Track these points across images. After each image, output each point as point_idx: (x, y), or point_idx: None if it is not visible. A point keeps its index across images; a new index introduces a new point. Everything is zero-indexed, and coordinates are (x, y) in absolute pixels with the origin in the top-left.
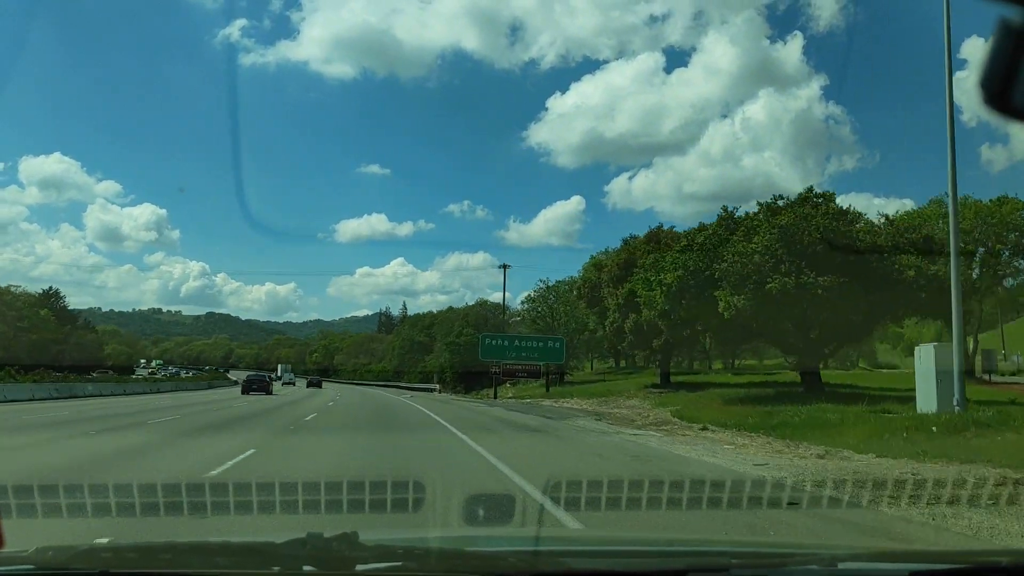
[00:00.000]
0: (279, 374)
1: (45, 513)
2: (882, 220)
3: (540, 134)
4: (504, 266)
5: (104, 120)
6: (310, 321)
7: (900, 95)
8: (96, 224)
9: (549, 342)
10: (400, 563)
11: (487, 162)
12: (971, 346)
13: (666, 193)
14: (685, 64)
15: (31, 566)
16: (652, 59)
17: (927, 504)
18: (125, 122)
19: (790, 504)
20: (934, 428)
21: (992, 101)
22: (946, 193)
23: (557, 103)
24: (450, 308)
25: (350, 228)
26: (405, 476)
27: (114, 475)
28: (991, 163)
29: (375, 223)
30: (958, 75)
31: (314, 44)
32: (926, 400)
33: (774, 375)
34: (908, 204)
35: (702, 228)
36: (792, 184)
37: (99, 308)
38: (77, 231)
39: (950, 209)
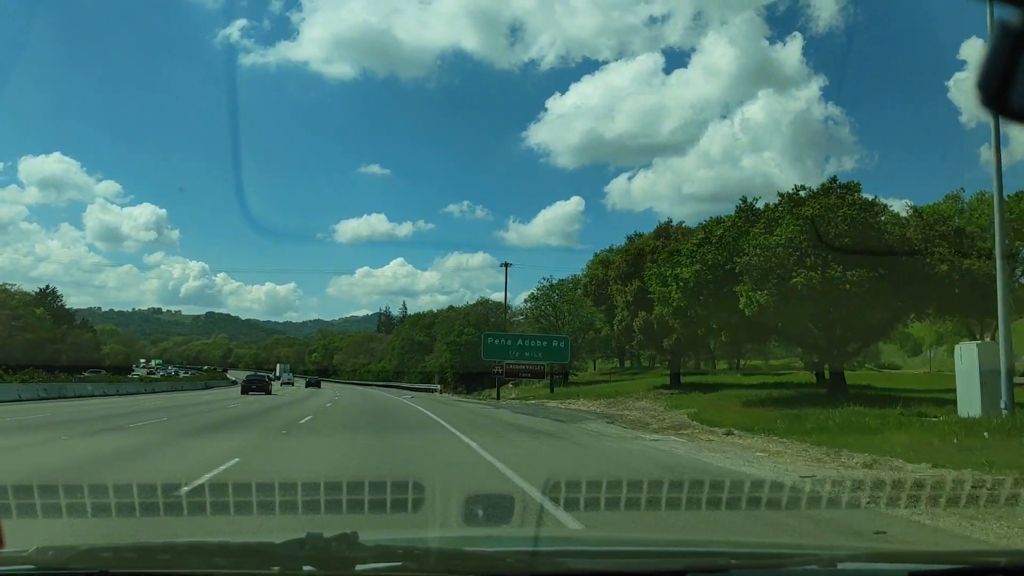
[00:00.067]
0: (277, 374)
1: None
2: (909, 212)
3: (540, 134)
4: (506, 264)
5: (104, 120)
6: (310, 321)
7: (899, 96)
8: (96, 224)
9: (553, 341)
10: (399, 563)
11: (487, 162)
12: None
13: (665, 194)
14: (685, 65)
15: (31, 566)
16: (652, 60)
17: None
18: (125, 122)
19: (877, 533)
20: (986, 434)
21: (990, 102)
22: (962, 188)
23: (557, 103)
24: (451, 307)
25: (350, 228)
26: (405, 477)
27: (66, 493)
28: (991, 164)
29: (375, 223)
30: (957, 76)
31: (314, 44)
32: (969, 403)
33: (784, 375)
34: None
35: (719, 221)
36: (791, 185)
37: (99, 308)
38: (77, 231)
39: (995, 206)
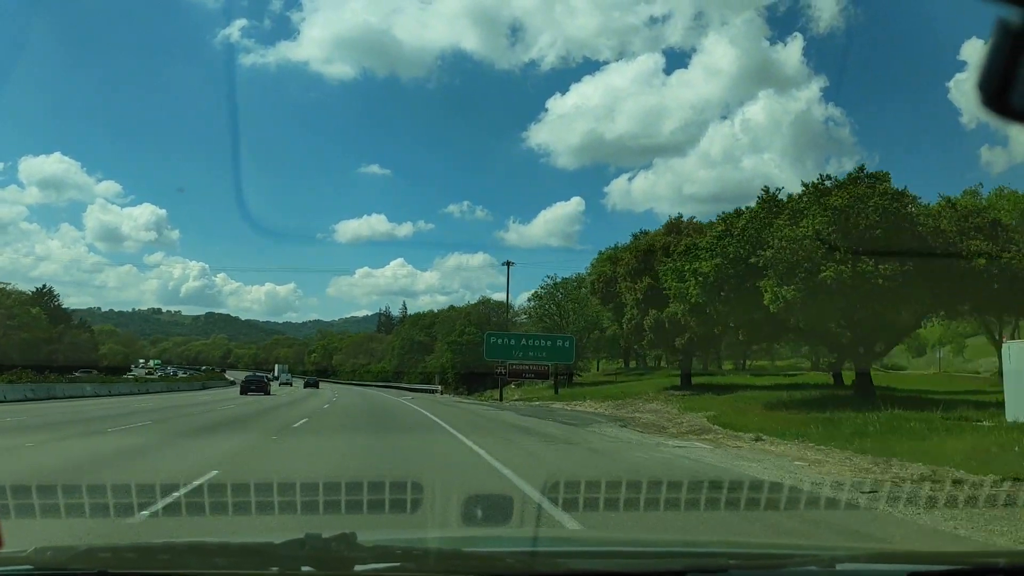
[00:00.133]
0: (276, 374)
1: None
2: (941, 202)
3: (540, 135)
4: (508, 263)
5: (104, 120)
6: (309, 321)
7: (900, 97)
8: (96, 224)
9: (558, 341)
10: (398, 563)
11: (487, 163)
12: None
13: (666, 194)
14: (685, 65)
15: (30, 566)
16: (652, 60)
17: None
18: (125, 122)
19: None
20: None
21: (990, 103)
22: (980, 184)
23: (557, 104)
24: (451, 307)
25: (350, 228)
26: (404, 478)
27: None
28: (991, 165)
29: (375, 223)
30: (958, 76)
31: (314, 44)
32: (1019, 406)
33: (794, 376)
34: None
35: (738, 213)
36: (792, 186)
37: (99, 308)
38: (77, 231)
39: None
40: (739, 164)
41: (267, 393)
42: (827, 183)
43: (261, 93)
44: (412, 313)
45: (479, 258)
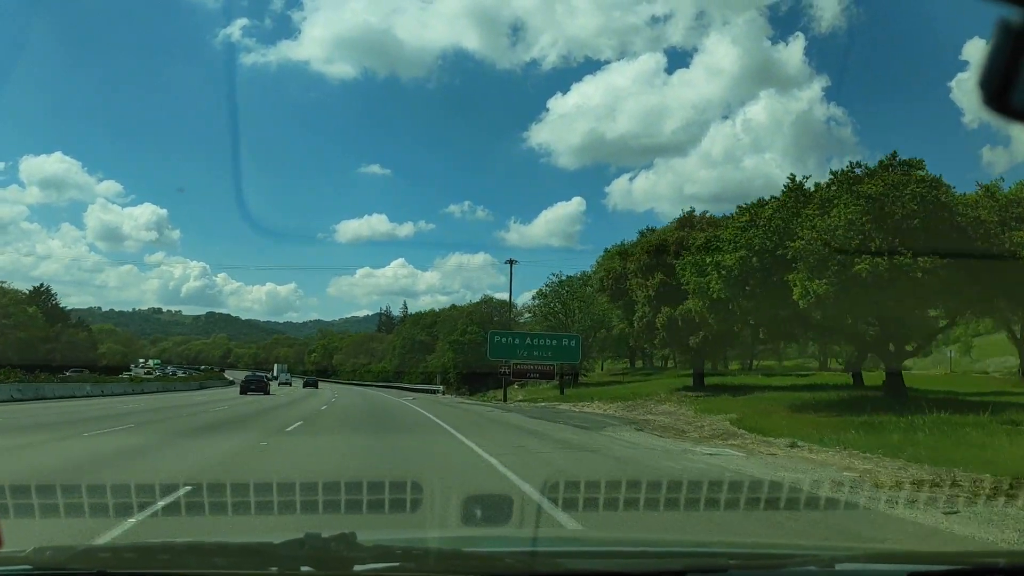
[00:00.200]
0: (275, 374)
1: None
2: (979, 191)
3: (541, 135)
4: (510, 261)
5: (105, 120)
6: (310, 321)
7: (901, 96)
8: (96, 224)
9: (564, 340)
10: (398, 563)
11: (488, 163)
12: None
13: (667, 194)
14: (686, 65)
15: (29, 566)
16: (653, 60)
17: None
18: (126, 122)
19: None
20: None
21: (991, 102)
22: (1001, 177)
23: (558, 104)
24: (453, 306)
25: (351, 228)
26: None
27: None
28: (992, 165)
29: (375, 223)
30: (960, 76)
31: (315, 44)
32: None
33: (808, 376)
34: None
35: (761, 203)
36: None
37: (99, 308)
38: (78, 231)
39: None
40: (740, 164)
41: (266, 393)
42: (857, 171)
43: (262, 93)
44: (413, 312)
45: (480, 258)
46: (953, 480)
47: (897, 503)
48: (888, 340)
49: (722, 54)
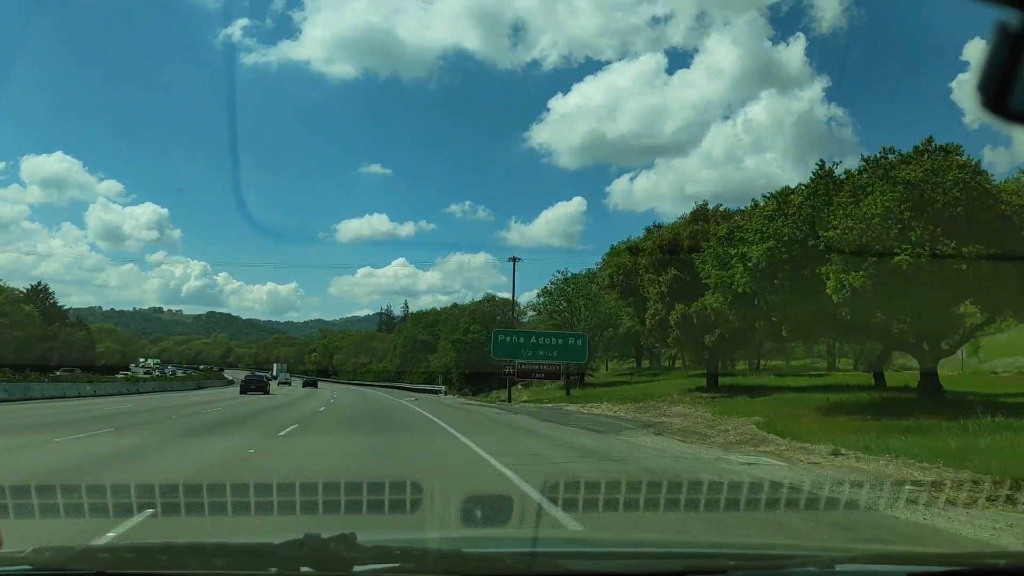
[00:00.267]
0: (275, 374)
1: None
2: (1020, 176)
3: (542, 135)
4: (513, 259)
5: (106, 119)
6: (311, 321)
7: (902, 97)
8: (97, 223)
9: (570, 339)
10: (397, 564)
11: (488, 163)
12: None
13: (667, 194)
14: (687, 65)
15: (28, 567)
16: (654, 60)
17: None
18: (126, 121)
19: None
20: None
21: (990, 104)
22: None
23: (559, 104)
24: (455, 305)
25: (351, 228)
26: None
27: None
28: (993, 165)
29: (376, 223)
30: (960, 77)
31: (316, 44)
32: None
33: (822, 376)
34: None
35: (787, 191)
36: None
37: (99, 307)
38: (78, 230)
39: None
40: (741, 164)
41: (266, 393)
42: (890, 156)
43: (263, 93)
44: (414, 312)
45: (481, 258)
46: None
47: (999, 529)
48: (922, 338)
49: (723, 54)
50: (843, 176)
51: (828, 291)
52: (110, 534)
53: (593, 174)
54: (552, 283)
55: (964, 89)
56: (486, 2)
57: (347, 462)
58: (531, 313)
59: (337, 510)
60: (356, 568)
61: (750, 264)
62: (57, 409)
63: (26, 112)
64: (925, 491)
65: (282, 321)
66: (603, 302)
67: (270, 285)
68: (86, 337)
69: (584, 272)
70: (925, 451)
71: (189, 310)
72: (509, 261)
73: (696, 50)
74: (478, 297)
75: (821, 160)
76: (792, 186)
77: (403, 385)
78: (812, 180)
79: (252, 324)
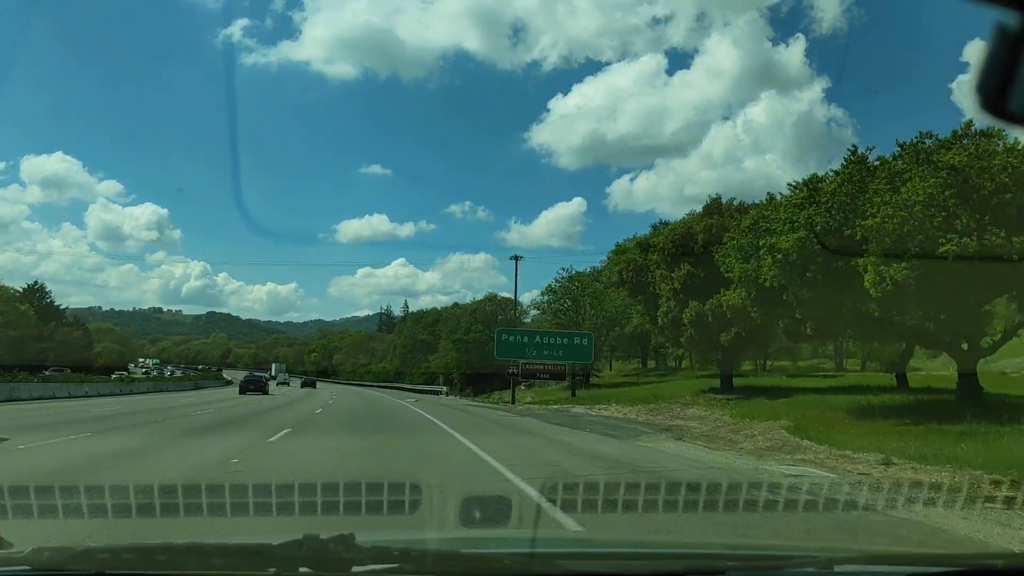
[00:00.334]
0: (273, 374)
1: None
2: None
3: (542, 135)
4: (516, 257)
5: (106, 120)
6: (311, 321)
7: (902, 98)
8: (97, 223)
9: (575, 338)
10: (396, 564)
11: (488, 163)
12: None
13: (667, 195)
14: (687, 66)
15: (27, 567)
16: (654, 61)
17: None
18: (127, 122)
19: None
20: None
21: (988, 105)
22: None
23: (559, 104)
24: (455, 304)
25: (352, 228)
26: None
27: None
28: None
29: (376, 224)
30: (960, 78)
31: (316, 44)
32: None
33: (836, 377)
34: None
35: (815, 179)
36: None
37: (99, 307)
38: (78, 230)
39: None
40: (741, 165)
41: (265, 393)
42: (927, 141)
43: (263, 93)
44: (414, 311)
45: (481, 258)
46: None
47: None
48: (959, 336)
49: (723, 55)
50: (876, 162)
51: (866, 284)
52: None
53: (593, 175)
54: (557, 281)
55: (964, 90)
56: (486, 2)
57: (347, 463)
58: (534, 312)
59: (336, 512)
60: (355, 569)
61: (778, 256)
62: (40, 411)
63: (26, 112)
64: (1005, 508)
65: (282, 321)
66: (609, 300)
67: (270, 285)
68: (83, 337)
69: (589, 270)
70: (988, 460)
71: (189, 310)
72: (511, 260)
73: (696, 51)
74: (478, 297)
75: (853, 146)
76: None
77: (403, 386)
78: (844, 166)
79: (252, 324)
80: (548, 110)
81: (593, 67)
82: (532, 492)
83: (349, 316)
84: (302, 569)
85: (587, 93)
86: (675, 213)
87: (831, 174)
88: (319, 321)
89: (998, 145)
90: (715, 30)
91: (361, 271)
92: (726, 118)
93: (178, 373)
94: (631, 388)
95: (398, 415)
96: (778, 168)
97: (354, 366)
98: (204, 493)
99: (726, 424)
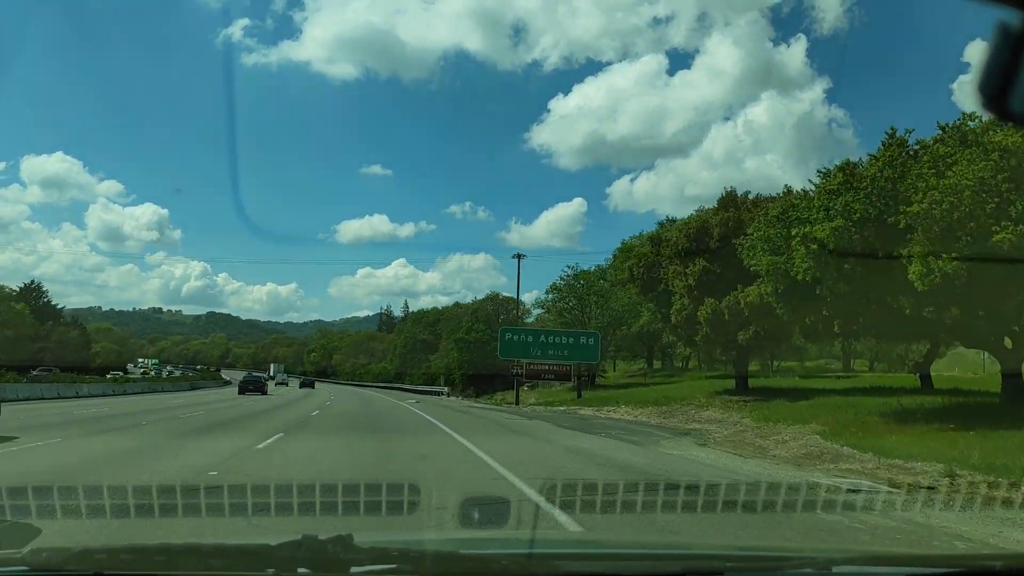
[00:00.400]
0: (272, 374)
1: None
2: None
3: (542, 136)
4: (519, 255)
5: (106, 120)
6: (311, 321)
7: (903, 98)
8: (98, 223)
9: (581, 338)
10: (394, 565)
11: (489, 163)
12: None
13: (668, 195)
14: (688, 66)
15: (26, 567)
16: (655, 61)
17: None
18: (127, 122)
19: None
20: None
21: (990, 105)
22: None
23: (559, 105)
24: (457, 304)
25: (352, 229)
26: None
27: None
28: None
29: (376, 224)
30: (961, 78)
31: (317, 44)
32: None
33: (849, 377)
34: None
35: (850, 164)
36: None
37: (99, 307)
38: (79, 230)
39: None
40: (742, 165)
41: (264, 393)
42: (971, 124)
43: (264, 93)
44: (415, 311)
45: (481, 259)
46: None
47: None
48: (1004, 333)
49: (724, 55)
50: (916, 146)
51: (910, 277)
52: None
53: (593, 175)
54: (561, 278)
55: (965, 90)
56: (487, 3)
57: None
58: (538, 311)
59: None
60: (353, 569)
61: (813, 247)
62: (17, 414)
63: (26, 112)
64: None
65: (282, 322)
66: (616, 299)
67: (270, 286)
68: (80, 336)
69: (594, 268)
70: None
71: (189, 310)
72: (514, 258)
73: (697, 51)
74: (479, 298)
75: (892, 128)
76: (795, 185)
77: (403, 386)
78: (881, 149)
79: (252, 324)
80: (549, 110)
81: (594, 67)
82: (562, 517)
83: (349, 316)
84: (300, 570)
85: (588, 93)
86: (676, 213)
87: (866, 159)
88: (319, 321)
89: None
90: (716, 30)
91: (361, 271)
92: (727, 118)
93: (176, 373)
94: (639, 389)
95: (400, 418)
96: (779, 169)
97: (354, 366)
98: (158, 513)
99: (749, 428)
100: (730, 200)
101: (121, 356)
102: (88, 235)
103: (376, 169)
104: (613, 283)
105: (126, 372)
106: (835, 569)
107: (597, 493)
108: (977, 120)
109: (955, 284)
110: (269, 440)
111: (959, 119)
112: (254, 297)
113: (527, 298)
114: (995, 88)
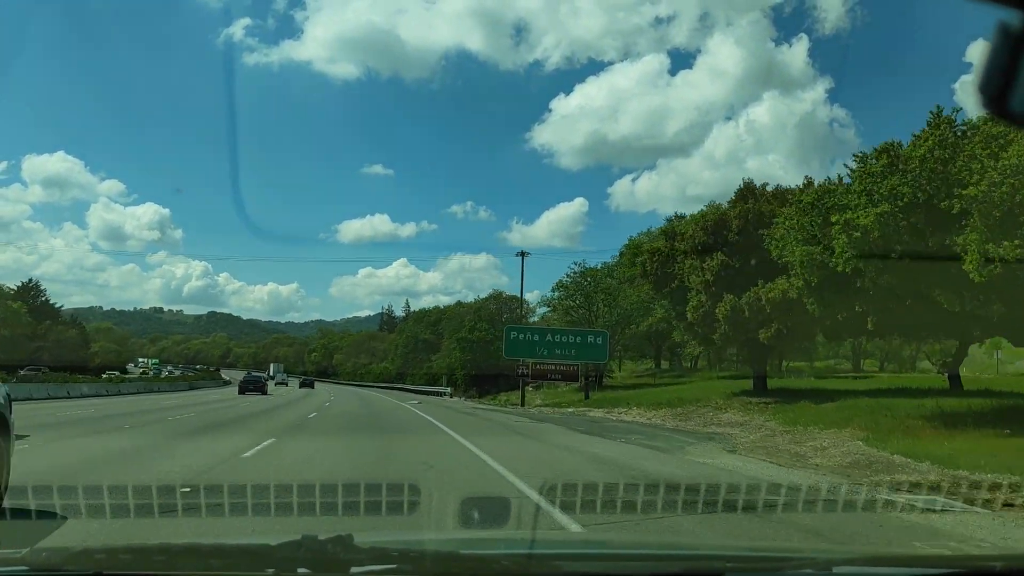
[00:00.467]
0: (272, 374)
1: None
2: None
3: (543, 135)
4: (522, 253)
5: (108, 120)
6: (312, 321)
7: (905, 98)
8: (99, 223)
9: (589, 337)
10: (394, 565)
11: (490, 163)
12: None
13: (670, 195)
14: (690, 66)
15: (25, 567)
16: (657, 61)
17: None
18: (129, 122)
19: None
20: None
21: (991, 105)
22: None
23: (561, 104)
24: (459, 303)
25: (353, 229)
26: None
27: None
28: None
29: (378, 224)
30: (963, 78)
31: (318, 44)
32: None
33: (866, 378)
34: None
35: (891, 144)
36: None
37: (100, 307)
38: (80, 230)
39: None
40: (743, 165)
41: (264, 393)
42: None
43: (265, 92)
44: (416, 310)
45: (482, 259)
46: None
47: None
48: None
49: (725, 55)
50: (963, 126)
51: (965, 267)
52: None
53: (595, 175)
54: (568, 276)
55: (966, 90)
56: (489, 2)
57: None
58: (542, 309)
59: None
60: (353, 569)
61: (855, 235)
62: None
63: (28, 112)
64: None
65: (283, 321)
66: (624, 296)
67: (271, 285)
68: (79, 336)
69: (601, 265)
70: None
71: (190, 310)
72: (517, 256)
73: (699, 51)
74: (480, 297)
75: (938, 106)
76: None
77: (405, 386)
78: (928, 129)
79: (253, 324)
80: (550, 110)
81: (595, 67)
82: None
83: (350, 316)
84: (300, 570)
85: (589, 93)
86: (678, 213)
87: (911, 139)
88: (320, 321)
89: None
90: (718, 30)
91: (362, 271)
92: (728, 118)
93: (176, 373)
94: (649, 390)
95: (402, 420)
96: (781, 169)
97: (355, 366)
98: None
99: (777, 432)
100: (748, 191)
101: (121, 356)
102: (89, 235)
103: (377, 169)
104: (622, 280)
105: (125, 372)
106: (835, 569)
107: (636, 511)
108: None
109: (1018, 275)
110: (261, 445)
111: None
112: (255, 297)
113: (529, 298)
114: (995, 88)
